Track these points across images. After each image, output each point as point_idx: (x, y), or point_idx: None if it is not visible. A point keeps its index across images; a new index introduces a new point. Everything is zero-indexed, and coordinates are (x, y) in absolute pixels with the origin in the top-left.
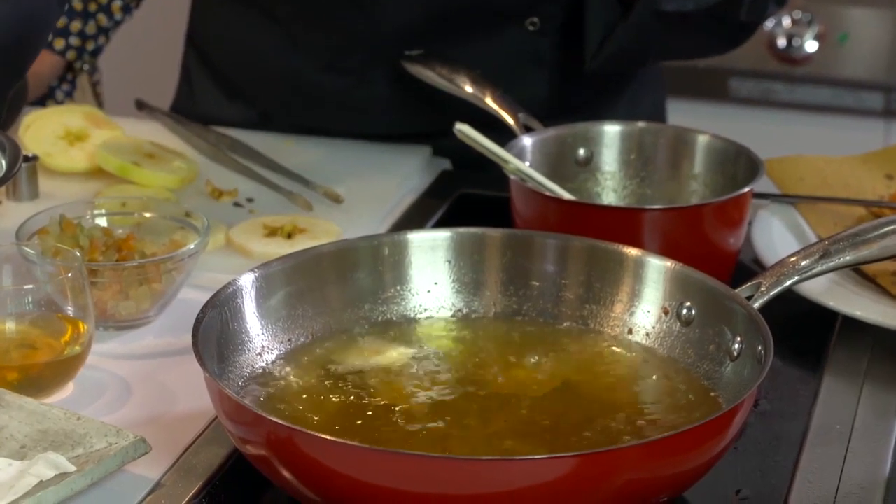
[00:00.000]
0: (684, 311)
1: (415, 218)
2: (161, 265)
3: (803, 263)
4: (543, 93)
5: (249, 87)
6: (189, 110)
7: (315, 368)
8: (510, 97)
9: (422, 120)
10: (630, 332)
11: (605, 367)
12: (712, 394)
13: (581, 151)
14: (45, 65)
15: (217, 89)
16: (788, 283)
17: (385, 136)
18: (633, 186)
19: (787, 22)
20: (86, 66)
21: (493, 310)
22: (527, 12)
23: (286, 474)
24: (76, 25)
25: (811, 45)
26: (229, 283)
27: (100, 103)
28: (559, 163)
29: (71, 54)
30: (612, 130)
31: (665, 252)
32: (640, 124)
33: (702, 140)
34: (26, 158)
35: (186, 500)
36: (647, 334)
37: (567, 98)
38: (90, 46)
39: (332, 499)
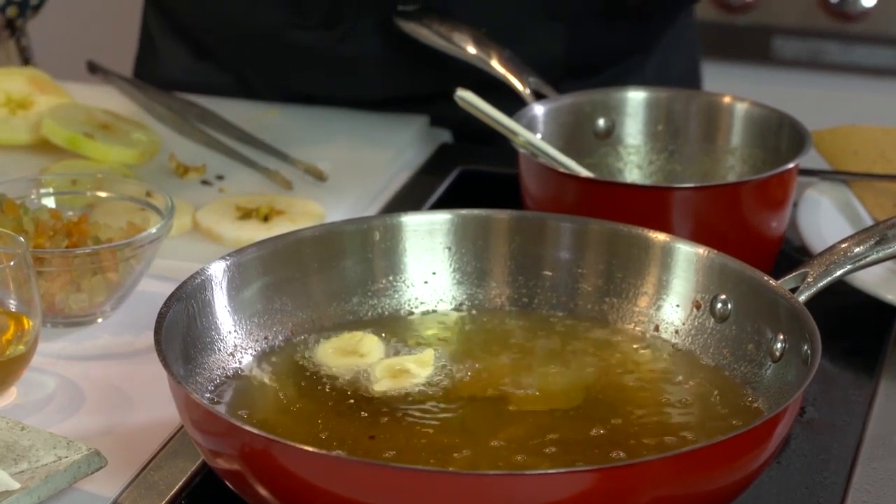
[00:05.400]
0: (719, 306)
1: (410, 198)
2: (118, 252)
3: (856, 250)
4: (559, 50)
5: (220, 46)
6: (151, 77)
7: (295, 371)
8: (519, 59)
9: (418, 81)
10: (657, 329)
11: (627, 368)
12: (751, 400)
13: (601, 122)
14: None
15: (184, 51)
16: (839, 272)
17: (376, 102)
18: (661, 162)
19: None
20: (27, 20)
21: (499, 303)
22: None
23: (263, 492)
24: None
25: (868, 0)
26: (197, 273)
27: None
28: (575, 135)
29: (12, 10)
30: (636, 97)
31: (697, 237)
32: (669, 90)
33: (740, 108)
34: None
35: None
36: (677, 331)
37: (587, 58)
38: (34, 0)
39: None
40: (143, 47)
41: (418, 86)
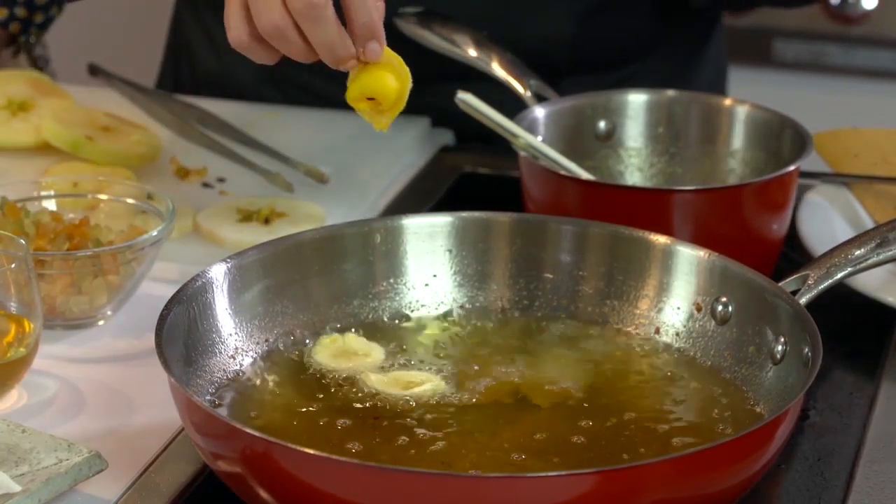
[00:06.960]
0: (720, 308)
1: (411, 200)
2: (119, 255)
3: (857, 253)
4: (569, 29)
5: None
6: (179, 68)
7: (296, 373)
8: (520, 61)
9: (420, 64)
10: (657, 331)
11: (628, 371)
12: (752, 403)
13: (601, 124)
14: None
15: (208, 41)
16: (840, 275)
17: None
18: (662, 164)
19: None
20: (32, 39)
21: (500, 306)
22: None
23: (263, 494)
24: None
25: (869, 2)
26: (198, 276)
27: None
28: (576, 137)
29: (14, 26)
30: (637, 100)
31: (698, 240)
32: (670, 93)
33: (741, 111)
34: None
35: None
36: (678, 334)
37: (595, 51)
38: (38, 18)
39: None
40: (172, 37)
41: (421, 68)
